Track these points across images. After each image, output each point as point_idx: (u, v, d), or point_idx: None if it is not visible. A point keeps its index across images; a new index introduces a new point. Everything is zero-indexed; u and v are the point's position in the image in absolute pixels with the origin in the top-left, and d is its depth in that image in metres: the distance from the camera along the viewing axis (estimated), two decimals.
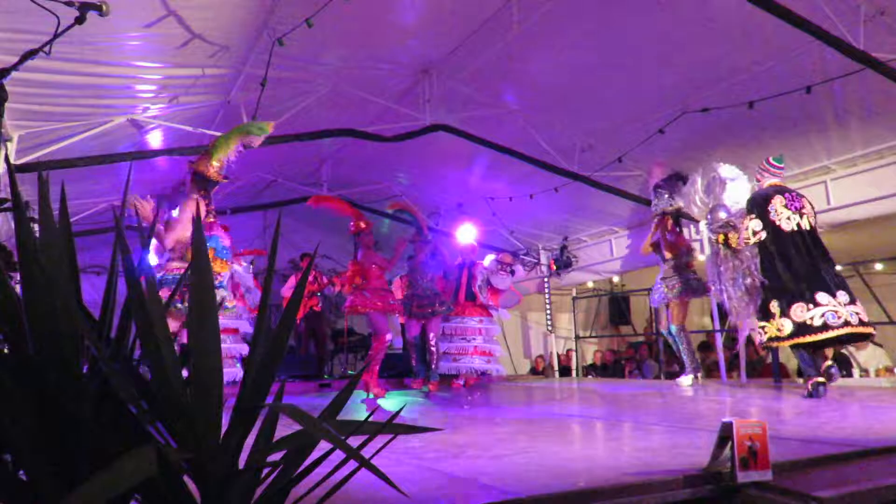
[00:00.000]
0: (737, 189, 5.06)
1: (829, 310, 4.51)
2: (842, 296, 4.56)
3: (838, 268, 4.82)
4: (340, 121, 6.75)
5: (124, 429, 1.18)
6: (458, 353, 7.02)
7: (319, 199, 6.98)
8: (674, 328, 6.50)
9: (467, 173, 8.34)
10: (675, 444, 2.66)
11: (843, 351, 7.32)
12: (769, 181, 5.09)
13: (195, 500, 1.18)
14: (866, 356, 7.32)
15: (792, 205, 4.90)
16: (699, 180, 5.26)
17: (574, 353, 10.24)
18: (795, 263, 4.71)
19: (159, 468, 1.02)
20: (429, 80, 6.39)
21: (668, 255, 6.64)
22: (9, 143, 5.29)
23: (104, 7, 2.31)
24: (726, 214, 5.00)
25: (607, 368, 10.42)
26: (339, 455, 1.14)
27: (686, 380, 6.32)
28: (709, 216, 5.16)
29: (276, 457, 1.26)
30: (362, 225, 6.29)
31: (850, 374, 7.07)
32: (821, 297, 4.56)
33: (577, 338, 10.15)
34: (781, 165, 5.16)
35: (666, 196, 6.75)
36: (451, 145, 7.26)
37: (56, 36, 2.24)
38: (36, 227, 1.40)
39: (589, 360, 11.11)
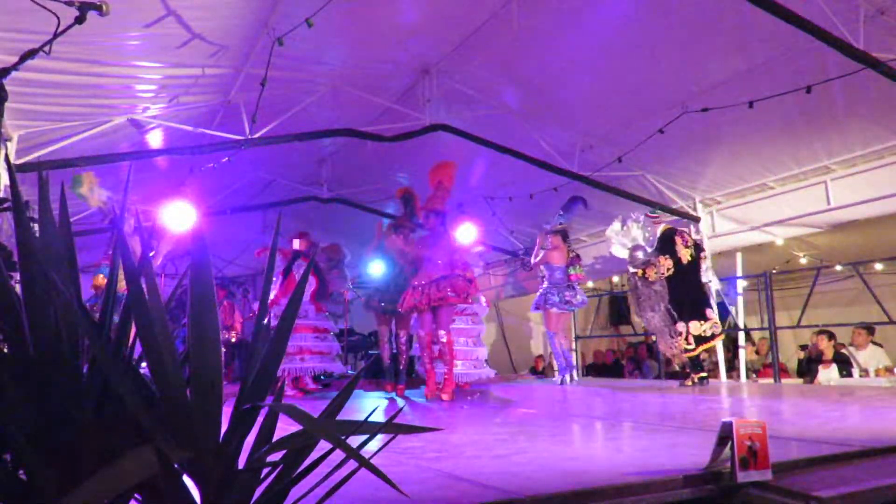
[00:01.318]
0: (640, 233, 6.36)
1: (713, 322, 6.03)
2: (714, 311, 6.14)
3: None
4: (340, 121, 6.74)
5: (124, 429, 1.18)
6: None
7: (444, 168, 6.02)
8: (548, 333, 7.22)
9: (467, 173, 8.34)
10: (675, 444, 2.66)
11: (843, 351, 7.35)
12: (661, 227, 6.34)
13: (195, 500, 1.18)
14: (866, 356, 7.31)
15: (685, 241, 6.17)
16: (616, 225, 6.46)
17: (574, 353, 10.23)
18: (692, 288, 6.08)
19: (159, 468, 1.02)
20: (429, 80, 6.38)
21: (550, 268, 7.08)
22: (9, 143, 5.29)
23: (104, 7, 2.31)
24: (644, 254, 6.20)
25: (607, 368, 10.42)
26: (339, 455, 1.14)
27: (557, 378, 7.30)
28: (629, 256, 6.33)
29: (276, 457, 1.26)
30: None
31: (850, 374, 7.08)
32: (709, 312, 6.04)
33: (577, 338, 10.15)
34: (658, 214, 6.63)
35: (559, 215, 7.22)
36: (451, 145, 7.26)
37: (56, 36, 2.24)
38: (36, 227, 1.40)
39: (589, 360, 11.11)
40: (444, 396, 5.37)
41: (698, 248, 6.28)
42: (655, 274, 6.03)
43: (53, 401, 1.16)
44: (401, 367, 6.45)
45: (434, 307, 5.52)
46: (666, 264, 6.03)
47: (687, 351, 5.94)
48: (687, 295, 6.00)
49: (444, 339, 5.51)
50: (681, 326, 5.93)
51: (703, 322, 5.93)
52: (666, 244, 6.14)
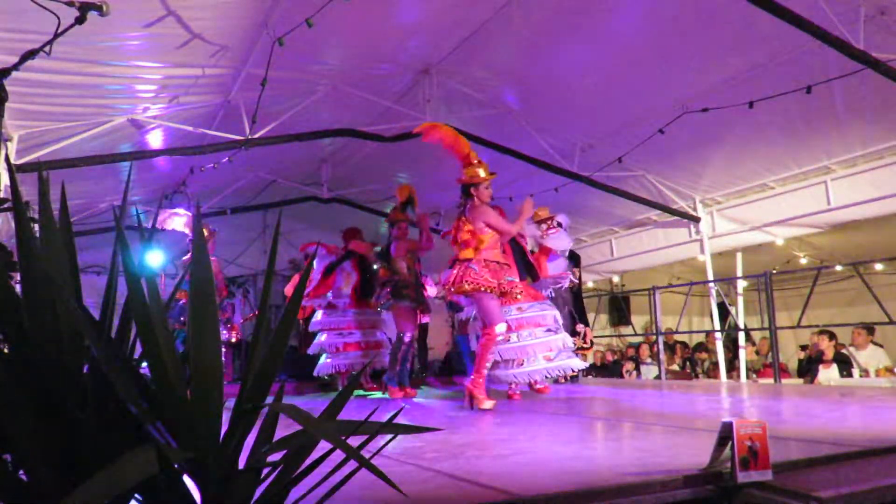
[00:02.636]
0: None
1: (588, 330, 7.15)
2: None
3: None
4: (340, 121, 6.74)
5: (124, 429, 1.18)
6: (524, 356, 5.24)
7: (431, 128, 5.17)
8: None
9: None
10: (675, 444, 2.66)
11: (844, 351, 7.35)
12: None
13: (195, 500, 1.18)
14: (866, 356, 7.31)
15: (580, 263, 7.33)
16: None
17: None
18: (581, 301, 7.20)
19: (159, 468, 1.02)
20: (429, 80, 6.39)
21: None
22: (9, 143, 5.28)
23: (104, 7, 2.31)
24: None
25: (607, 368, 10.41)
26: (339, 455, 1.14)
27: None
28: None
29: (276, 457, 1.26)
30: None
31: (850, 375, 7.08)
32: (582, 323, 7.07)
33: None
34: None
35: None
36: None
37: (56, 36, 2.24)
38: (36, 227, 1.40)
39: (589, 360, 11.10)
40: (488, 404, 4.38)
41: None
42: (570, 282, 6.66)
43: (53, 401, 1.16)
44: (407, 367, 6.36)
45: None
46: (577, 275, 6.95)
47: (582, 349, 6.92)
48: (579, 306, 7.10)
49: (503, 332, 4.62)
50: (580, 328, 6.98)
51: (584, 329, 7.15)
52: (575, 260, 7.02)
